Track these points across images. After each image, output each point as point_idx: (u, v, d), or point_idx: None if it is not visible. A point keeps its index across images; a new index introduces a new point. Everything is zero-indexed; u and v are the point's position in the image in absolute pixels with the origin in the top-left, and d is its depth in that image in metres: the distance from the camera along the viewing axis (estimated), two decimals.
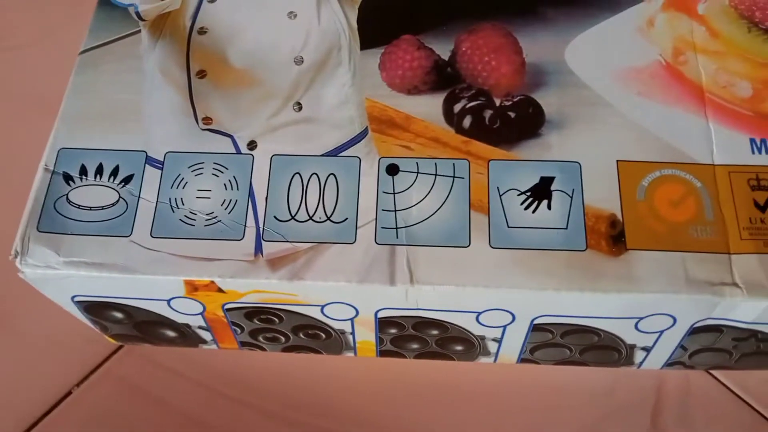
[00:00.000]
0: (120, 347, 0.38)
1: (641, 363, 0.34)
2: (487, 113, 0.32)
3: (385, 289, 0.29)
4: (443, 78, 0.33)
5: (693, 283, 0.28)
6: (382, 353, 0.35)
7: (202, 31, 0.34)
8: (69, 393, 0.38)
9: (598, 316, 0.30)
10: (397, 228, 0.30)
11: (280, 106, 0.32)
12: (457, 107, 0.32)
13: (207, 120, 0.32)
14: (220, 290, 0.30)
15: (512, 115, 0.32)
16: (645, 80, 0.33)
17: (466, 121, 0.32)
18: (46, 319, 0.38)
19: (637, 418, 0.36)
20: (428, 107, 0.32)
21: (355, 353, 0.35)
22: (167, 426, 0.36)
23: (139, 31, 0.35)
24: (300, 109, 0.32)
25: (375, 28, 0.34)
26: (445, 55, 0.33)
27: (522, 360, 0.35)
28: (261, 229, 0.30)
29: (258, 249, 0.30)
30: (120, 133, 0.32)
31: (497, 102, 0.32)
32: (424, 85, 0.33)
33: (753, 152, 0.31)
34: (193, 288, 0.30)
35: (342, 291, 0.29)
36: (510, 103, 0.32)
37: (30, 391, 0.37)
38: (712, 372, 0.37)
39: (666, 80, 0.33)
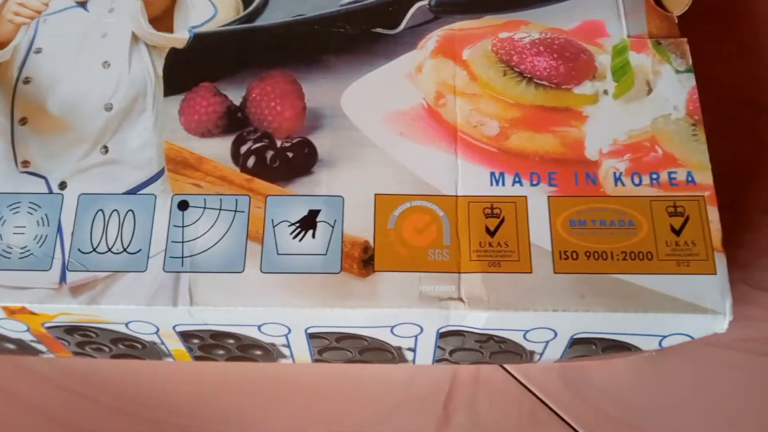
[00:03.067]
0: None
1: (414, 360, 0.40)
2: (269, 154, 0.37)
3: (170, 310, 0.35)
4: (234, 122, 0.38)
5: (424, 299, 0.34)
6: (197, 358, 0.41)
7: (27, 81, 0.39)
8: None
9: (357, 326, 0.36)
10: (183, 257, 0.35)
11: (89, 150, 0.37)
12: (243, 148, 0.38)
13: (25, 163, 0.37)
14: (32, 313, 0.35)
15: (290, 155, 0.37)
16: (407, 122, 0.38)
17: (250, 161, 0.37)
18: None
19: (430, 406, 0.42)
20: (218, 149, 0.38)
21: (174, 359, 0.41)
22: (32, 427, 0.41)
23: None
24: (106, 151, 0.37)
25: (178, 76, 0.39)
26: (238, 101, 0.39)
27: (315, 360, 0.40)
28: (66, 261, 0.35)
29: (63, 278, 0.35)
30: None
31: (279, 143, 0.38)
32: (217, 128, 0.38)
33: (491, 184, 0.37)
34: (10, 312, 0.35)
35: (135, 312, 0.35)
36: (289, 144, 0.38)
37: None
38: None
39: (426, 122, 0.38)
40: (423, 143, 0.38)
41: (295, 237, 0.35)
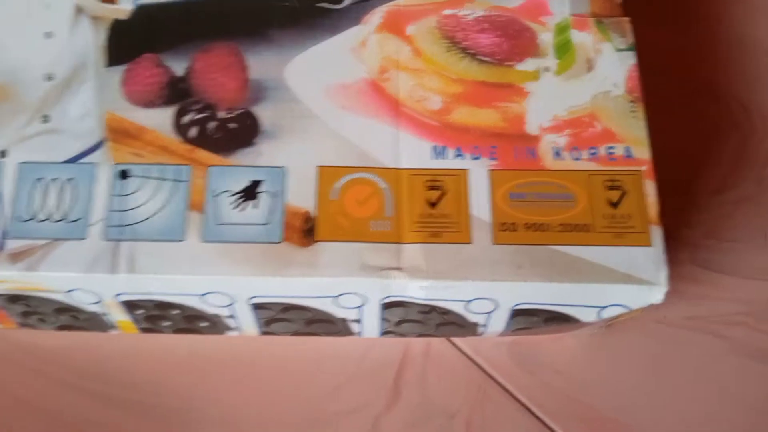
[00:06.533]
0: None
1: (360, 333, 0.40)
2: (211, 125, 0.37)
3: (109, 278, 0.34)
4: (176, 93, 0.38)
5: (365, 268, 0.35)
6: (143, 330, 0.40)
7: None
8: None
9: (299, 296, 0.36)
10: (122, 226, 0.35)
11: (29, 119, 0.37)
12: (185, 119, 0.37)
13: None
14: None
15: (232, 126, 0.37)
16: (351, 95, 0.39)
17: (192, 132, 0.37)
18: None
19: (380, 380, 0.42)
20: (160, 119, 0.37)
21: (120, 331, 0.41)
22: None
23: None
24: (47, 120, 0.37)
25: (120, 47, 0.39)
26: (180, 72, 0.39)
27: (263, 333, 0.41)
28: (5, 228, 0.35)
29: (1, 245, 0.35)
30: None
31: (221, 115, 0.38)
32: (159, 99, 0.38)
33: (433, 157, 0.37)
34: None
35: (74, 280, 0.35)
36: (231, 116, 0.38)
37: None
38: (454, 339, 0.43)
39: (368, 95, 0.39)
40: (366, 116, 0.38)
41: (236, 207, 0.36)
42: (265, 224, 0.35)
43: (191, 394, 0.41)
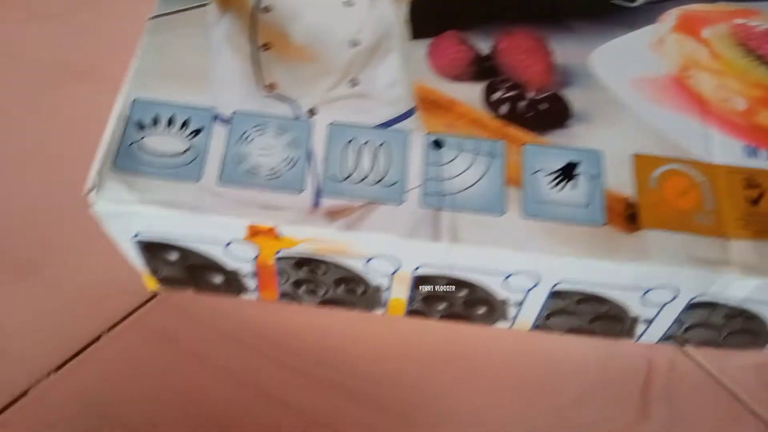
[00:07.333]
0: (152, 298, 0.41)
1: (641, 336, 0.38)
2: (522, 103, 0.36)
3: (428, 246, 0.33)
4: (483, 70, 0.37)
5: (695, 260, 0.33)
6: (410, 312, 0.38)
7: (267, 10, 0.38)
8: (98, 338, 0.40)
9: (611, 286, 0.34)
10: (441, 194, 0.34)
11: (337, 81, 0.36)
12: (496, 96, 0.36)
13: (272, 86, 0.36)
14: (277, 237, 0.33)
15: (543, 107, 0.36)
16: (657, 88, 0.37)
17: (503, 109, 0.36)
18: (79, 269, 0.41)
19: (626, 393, 0.40)
20: (470, 93, 0.36)
21: (385, 312, 0.39)
22: (192, 373, 0.39)
23: (206, 4, 0.38)
24: (356, 85, 0.36)
25: (422, 23, 0.38)
26: (484, 51, 0.38)
27: (535, 327, 0.38)
28: (319, 185, 0.33)
29: (317, 202, 0.33)
30: (189, 90, 0.35)
31: (530, 95, 0.36)
32: (465, 74, 0.37)
33: (745, 156, 0.36)
34: (253, 233, 0.33)
35: (389, 244, 0.33)
36: (541, 97, 0.36)
37: (60, 334, 0.39)
38: (696, 356, 0.41)
39: (673, 90, 0.38)
40: (673, 110, 0.37)
41: (554, 186, 0.34)
42: (586, 205, 0.34)
43: (425, 389, 0.39)
